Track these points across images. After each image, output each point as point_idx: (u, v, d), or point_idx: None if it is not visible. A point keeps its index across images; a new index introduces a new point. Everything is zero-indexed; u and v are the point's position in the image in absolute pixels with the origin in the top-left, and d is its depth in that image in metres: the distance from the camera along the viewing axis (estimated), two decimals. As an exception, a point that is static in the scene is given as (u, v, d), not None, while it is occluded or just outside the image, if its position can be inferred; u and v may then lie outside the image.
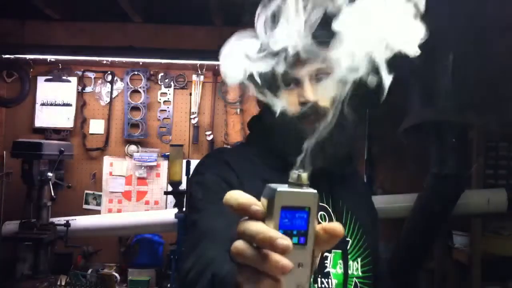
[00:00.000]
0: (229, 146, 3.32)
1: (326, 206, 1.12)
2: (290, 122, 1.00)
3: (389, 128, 3.08)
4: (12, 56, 3.22)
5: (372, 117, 3.25)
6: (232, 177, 1.07)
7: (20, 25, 3.14)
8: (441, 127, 2.37)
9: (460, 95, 2.32)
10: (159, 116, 3.40)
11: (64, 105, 3.37)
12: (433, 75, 2.37)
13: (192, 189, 1.11)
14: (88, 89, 3.41)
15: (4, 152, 3.31)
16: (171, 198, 3.21)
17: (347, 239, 1.11)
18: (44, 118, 3.36)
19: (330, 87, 1.06)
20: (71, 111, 3.37)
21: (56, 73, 3.37)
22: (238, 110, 3.38)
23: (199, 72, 3.34)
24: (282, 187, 0.54)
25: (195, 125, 3.36)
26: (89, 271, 2.94)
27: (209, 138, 3.34)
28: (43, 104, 3.37)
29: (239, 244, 0.53)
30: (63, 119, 3.36)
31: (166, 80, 3.40)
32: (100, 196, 3.36)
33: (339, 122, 1.07)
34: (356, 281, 1.10)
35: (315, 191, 0.55)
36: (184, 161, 3.10)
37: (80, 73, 3.39)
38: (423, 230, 2.61)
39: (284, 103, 1.03)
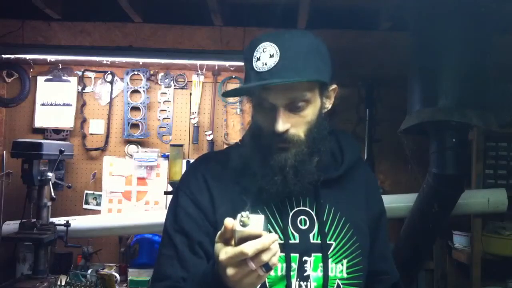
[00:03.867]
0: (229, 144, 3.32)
1: (310, 210, 1.13)
2: (262, 146, 1.09)
3: (389, 128, 3.09)
4: (12, 56, 3.22)
5: (372, 117, 3.25)
6: (204, 198, 1.13)
7: (20, 25, 3.14)
8: (441, 127, 2.37)
9: (460, 95, 2.31)
10: (159, 116, 3.40)
11: (64, 105, 3.37)
12: (433, 75, 2.37)
13: (167, 210, 1.19)
14: (88, 89, 3.41)
15: (4, 152, 3.32)
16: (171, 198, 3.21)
17: (330, 242, 1.12)
18: (44, 118, 3.36)
19: (304, 115, 1.10)
20: (71, 111, 3.37)
21: (56, 73, 3.37)
22: (238, 110, 3.39)
23: (199, 72, 3.34)
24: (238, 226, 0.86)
25: (195, 125, 3.36)
26: (89, 271, 2.94)
27: (209, 138, 3.34)
28: (43, 104, 3.36)
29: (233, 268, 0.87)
30: (63, 119, 3.36)
31: (166, 80, 3.40)
32: (100, 196, 3.36)
33: (312, 143, 1.12)
34: (339, 282, 1.12)
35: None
36: (184, 161, 3.10)
37: (80, 73, 3.39)
38: (423, 230, 2.61)
39: (260, 122, 1.11)
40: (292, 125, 1.06)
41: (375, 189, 1.32)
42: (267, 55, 1.03)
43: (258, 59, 1.04)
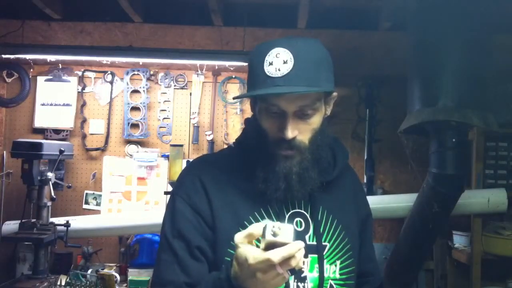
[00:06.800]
0: (229, 145, 3.32)
1: (304, 212, 1.15)
2: (267, 151, 1.10)
3: (389, 128, 3.09)
4: (12, 56, 3.22)
5: (372, 117, 3.25)
6: (201, 202, 1.13)
7: (20, 25, 3.14)
8: (441, 127, 2.37)
9: (460, 95, 2.31)
10: (159, 116, 3.40)
11: (64, 105, 3.37)
12: (433, 75, 2.37)
13: (164, 214, 1.18)
14: (88, 89, 3.41)
15: (4, 152, 3.32)
16: (171, 198, 3.21)
17: (324, 243, 1.15)
18: (44, 118, 3.36)
19: (311, 122, 1.10)
20: (71, 111, 3.37)
21: (56, 73, 3.37)
22: (238, 110, 3.39)
23: (199, 72, 3.34)
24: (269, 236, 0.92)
25: (195, 125, 3.36)
26: (89, 271, 2.94)
27: (209, 138, 3.34)
28: (43, 104, 3.36)
29: (266, 272, 0.92)
30: (63, 119, 3.36)
31: (166, 80, 3.40)
32: (100, 196, 3.36)
33: (316, 151, 1.12)
34: (332, 283, 1.14)
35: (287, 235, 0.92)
36: (184, 161, 3.10)
37: (80, 73, 3.39)
38: (423, 230, 2.61)
39: (266, 126, 1.10)
40: (300, 132, 1.08)
41: (362, 193, 1.35)
42: (280, 61, 1.04)
43: (271, 63, 1.04)
